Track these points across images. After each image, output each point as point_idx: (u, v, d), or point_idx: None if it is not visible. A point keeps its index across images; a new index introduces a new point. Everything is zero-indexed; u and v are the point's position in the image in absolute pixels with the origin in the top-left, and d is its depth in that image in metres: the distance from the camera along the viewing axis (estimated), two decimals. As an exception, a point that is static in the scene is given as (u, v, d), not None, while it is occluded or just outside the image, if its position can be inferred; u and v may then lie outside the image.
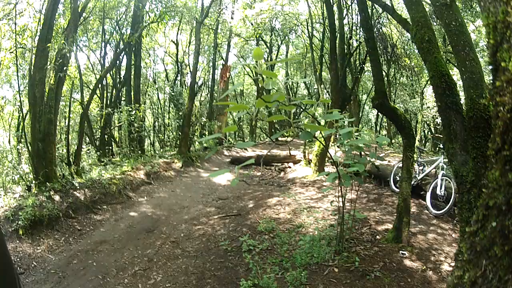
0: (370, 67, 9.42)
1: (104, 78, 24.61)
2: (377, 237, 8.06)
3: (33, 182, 13.32)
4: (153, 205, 13.52)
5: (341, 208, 7.18)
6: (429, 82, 25.10)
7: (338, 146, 12.97)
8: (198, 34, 23.79)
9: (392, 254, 7.10)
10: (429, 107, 24.13)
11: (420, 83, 27.40)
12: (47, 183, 12.65)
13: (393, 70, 26.63)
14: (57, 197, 12.01)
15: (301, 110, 41.31)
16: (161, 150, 27.37)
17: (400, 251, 7.14)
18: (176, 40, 31.60)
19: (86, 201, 12.65)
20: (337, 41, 17.20)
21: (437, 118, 22.91)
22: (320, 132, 7.05)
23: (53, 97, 14.18)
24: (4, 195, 12.24)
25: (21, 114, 19.72)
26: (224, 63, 34.62)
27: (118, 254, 8.96)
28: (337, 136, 10.57)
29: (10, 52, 19.26)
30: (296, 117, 42.15)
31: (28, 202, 10.91)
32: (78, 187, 13.12)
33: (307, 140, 18.35)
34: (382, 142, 6.78)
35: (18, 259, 9.09)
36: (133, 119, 21.41)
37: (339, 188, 7.22)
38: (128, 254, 8.90)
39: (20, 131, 19.81)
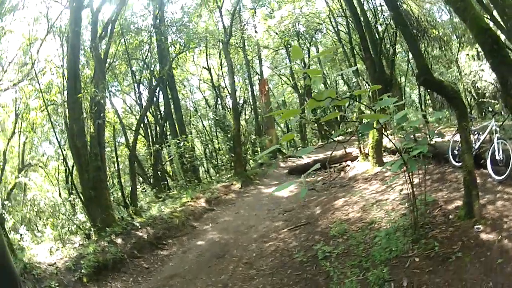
0: (407, 44, 8.97)
1: (145, 117, 24.87)
2: (450, 216, 7.65)
3: (92, 229, 13.43)
4: (219, 230, 13.31)
5: (410, 195, 7.01)
6: (461, 49, 24.79)
7: (391, 134, 12.64)
8: (227, 54, 23.94)
9: (468, 231, 6.73)
10: (466, 73, 23.74)
11: (452, 51, 26.85)
12: (106, 228, 12.63)
13: (423, 45, 26.28)
14: (119, 240, 12.02)
15: (348, 105, 41.31)
16: (217, 175, 27.36)
17: (475, 226, 6.80)
18: (208, 65, 31.77)
19: (150, 239, 12.59)
20: (364, 29, 16.93)
21: (476, 82, 22.53)
22: (378, 122, 6.82)
23: (96, 144, 14.33)
24: (62, 247, 12.04)
25: (67, 168, 20.05)
26: (260, 78, 35.11)
27: (191, 285, 8.80)
28: (392, 122, 10.27)
29: (41, 111, 19.70)
30: (343, 114, 41.94)
31: (89, 249, 10.87)
32: (139, 227, 13.08)
33: (361, 134, 18.02)
34: (436, 119, 6.62)
35: None
36: (183, 150, 21.48)
37: (405, 175, 7.06)
38: (202, 283, 8.71)
39: (70, 183, 20.09)
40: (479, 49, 21.52)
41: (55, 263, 10.47)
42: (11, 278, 3.09)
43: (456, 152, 10.76)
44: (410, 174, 6.94)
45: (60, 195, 22.76)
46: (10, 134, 23.58)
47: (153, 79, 24.85)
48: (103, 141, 15.77)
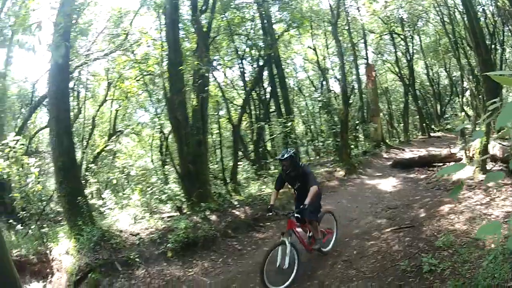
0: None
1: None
2: None
3: (185, 203, 13.71)
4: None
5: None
6: None
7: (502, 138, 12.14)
8: (336, 36, 23.89)
9: None
10: None
11: None
12: (201, 203, 12.80)
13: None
14: (213, 217, 12.15)
15: (447, 102, 40.01)
16: (317, 158, 27.91)
17: None
18: (313, 45, 31.50)
19: (246, 219, 12.63)
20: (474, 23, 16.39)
21: None
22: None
23: (199, 118, 14.57)
24: (150, 217, 12.49)
25: (163, 137, 20.43)
26: (366, 62, 34.54)
27: None
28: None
29: (137, 80, 20.29)
30: (443, 109, 40.96)
31: (181, 224, 11.03)
32: (237, 205, 13.19)
33: (466, 136, 17.40)
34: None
35: (163, 283, 9.23)
36: (289, 130, 21.42)
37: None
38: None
39: (163, 154, 20.51)
40: None
41: (138, 233, 10.89)
42: (10, 277, 4.01)
43: None
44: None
45: (152, 161, 23.30)
46: (101, 101, 24.84)
47: (260, 56, 24.99)
48: (206, 115, 16.08)
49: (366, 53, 35.90)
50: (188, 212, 12.98)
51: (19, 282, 4.63)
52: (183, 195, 14.78)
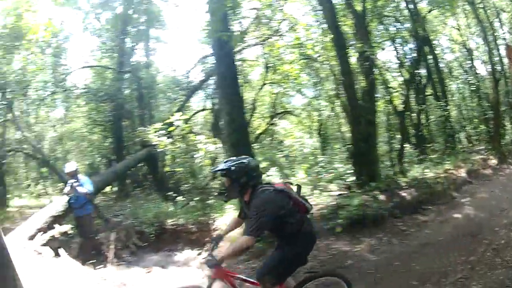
0: None
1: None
2: None
3: (353, 181, 14.32)
4: (476, 206, 12.64)
5: None
6: None
7: None
8: (476, 14, 24.33)
9: None
10: None
11: None
12: (370, 183, 13.09)
13: None
14: (382, 197, 12.18)
15: None
16: (470, 145, 27.24)
17: None
18: (457, 25, 30.86)
19: (412, 201, 12.64)
20: None
21: None
22: None
23: (368, 99, 15.40)
24: (319, 194, 13.34)
25: (321, 118, 21.35)
26: (506, 43, 31.76)
27: (444, 258, 8.42)
28: None
29: (297, 63, 20.88)
30: None
31: (354, 201, 11.19)
32: (404, 187, 13.61)
33: None
34: None
35: (329, 257, 9.31)
36: (448, 115, 21.55)
37: None
38: (452, 259, 8.26)
39: (322, 135, 21.37)
40: None
41: (308, 209, 11.70)
42: (9, 276, 4.24)
43: None
44: None
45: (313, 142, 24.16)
46: (260, 85, 25.73)
47: (412, 38, 24.97)
48: (374, 96, 16.71)
49: (504, 33, 33.52)
50: (358, 191, 13.15)
51: (19, 282, 4.75)
52: (350, 174, 15.36)
